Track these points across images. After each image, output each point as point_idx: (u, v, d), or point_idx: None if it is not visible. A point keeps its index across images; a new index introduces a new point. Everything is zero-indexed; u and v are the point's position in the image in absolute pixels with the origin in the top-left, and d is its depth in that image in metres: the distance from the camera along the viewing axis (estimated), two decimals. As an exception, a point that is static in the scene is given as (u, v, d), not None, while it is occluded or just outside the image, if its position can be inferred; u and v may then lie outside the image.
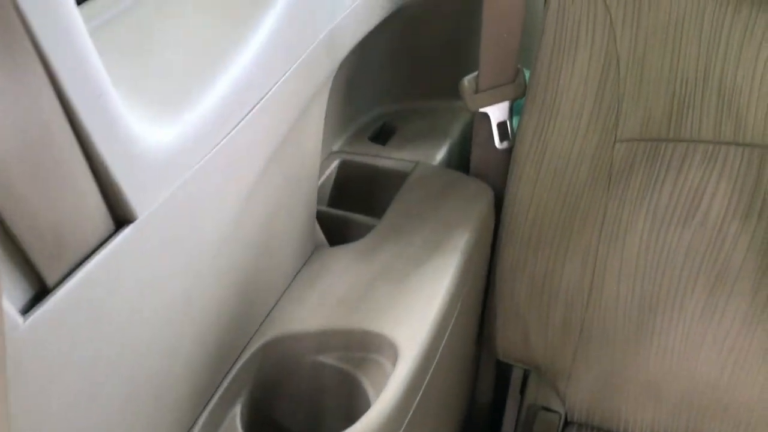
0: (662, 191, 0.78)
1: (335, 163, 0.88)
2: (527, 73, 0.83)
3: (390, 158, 0.89)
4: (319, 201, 0.83)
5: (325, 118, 0.71)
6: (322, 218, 0.79)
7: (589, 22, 0.75)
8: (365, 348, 0.65)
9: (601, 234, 0.82)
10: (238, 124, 0.52)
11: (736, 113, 0.74)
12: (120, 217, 0.43)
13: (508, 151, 0.84)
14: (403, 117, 0.98)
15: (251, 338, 0.64)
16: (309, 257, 0.74)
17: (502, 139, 0.85)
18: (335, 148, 0.91)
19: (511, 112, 0.84)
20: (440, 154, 0.91)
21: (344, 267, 0.72)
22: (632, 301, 0.82)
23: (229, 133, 0.51)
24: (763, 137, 0.74)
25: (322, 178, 0.85)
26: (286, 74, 0.57)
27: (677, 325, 0.81)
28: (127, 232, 0.43)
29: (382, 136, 0.96)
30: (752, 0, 0.70)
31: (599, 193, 0.80)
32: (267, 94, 0.54)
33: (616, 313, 0.83)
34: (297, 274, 0.71)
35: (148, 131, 0.43)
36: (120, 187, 0.41)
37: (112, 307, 0.43)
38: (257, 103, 0.53)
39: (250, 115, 0.53)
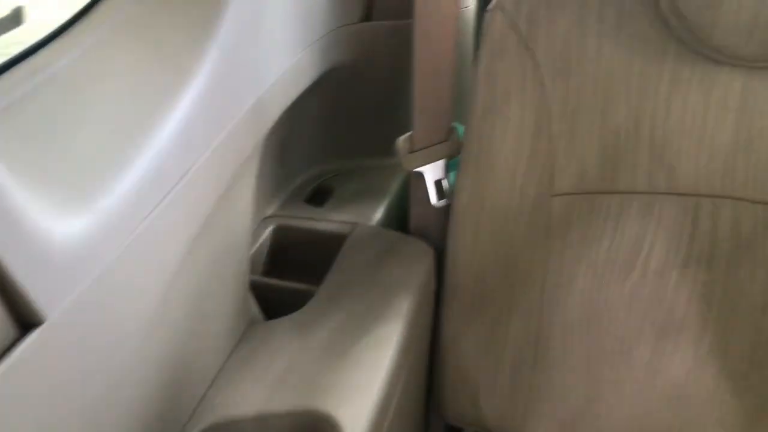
0: (601, 244, 0.78)
1: (269, 229, 0.85)
2: (461, 129, 0.82)
3: (327, 221, 0.87)
4: (254, 270, 0.79)
5: (257, 182, 0.69)
6: (257, 288, 0.76)
7: (519, 79, 0.75)
8: (308, 430, 0.61)
9: (544, 289, 0.80)
10: (158, 204, 0.48)
11: (668, 163, 0.74)
12: (25, 320, 0.39)
13: (447, 209, 0.83)
14: (339, 177, 0.96)
15: (183, 428, 0.60)
16: (243, 333, 0.70)
17: (439, 197, 0.83)
18: (269, 212, 0.88)
19: (447, 169, 0.83)
20: (378, 214, 0.90)
21: (282, 342, 0.68)
22: (579, 356, 0.81)
23: (148, 216, 0.47)
24: (696, 186, 0.74)
25: (256, 246, 0.82)
26: (211, 147, 0.54)
27: (625, 377, 0.80)
28: (33, 336, 0.38)
29: (318, 197, 0.94)
30: (676, 53, 0.71)
31: (539, 248, 0.79)
32: (190, 170, 0.51)
33: (564, 369, 0.82)
34: (231, 353, 0.67)
35: (56, 224, 0.39)
36: (23, 289, 0.37)
37: (21, 419, 0.39)
38: (179, 181, 0.50)
39: (171, 193, 0.50)
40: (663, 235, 0.76)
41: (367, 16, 0.88)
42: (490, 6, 0.76)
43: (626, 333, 0.79)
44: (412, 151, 0.81)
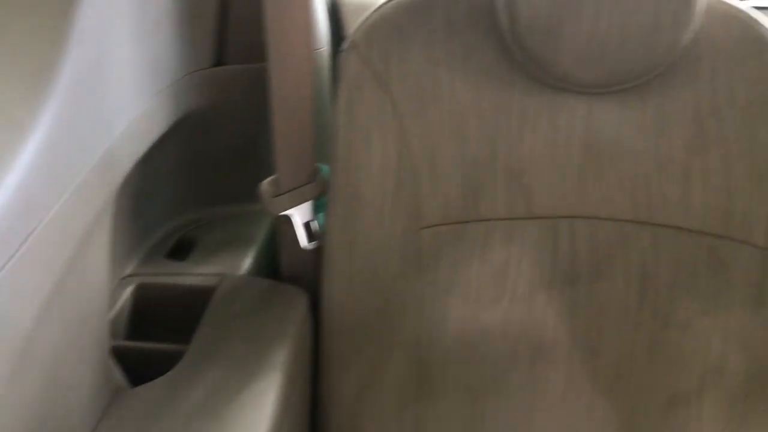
0: (470, 272, 0.79)
1: (129, 289, 0.79)
2: (325, 169, 0.82)
3: (191, 275, 0.82)
4: (115, 334, 0.74)
5: (113, 239, 0.64)
6: (120, 354, 0.70)
7: (379, 116, 0.75)
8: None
9: (420, 322, 0.80)
10: (-3, 273, 0.43)
11: (525, 189, 0.77)
12: None
13: (319, 251, 0.81)
14: (201, 227, 0.92)
15: None
16: (109, 403, 0.64)
17: (309, 240, 0.82)
18: (128, 271, 0.83)
19: (315, 210, 0.82)
20: (247, 263, 0.86)
21: (151, 408, 0.63)
22: (460, 387, 0.81)
23: None
24: (553, 209, 0.78)
25: (116, 308, 0.76)
26: (56, 206, 0.50)
27: (506, 405, 0.81)
28: None
29: (180, 251, 0.89)
30: (523, 83, 0.75)
31: (412, 282, 0.79)
32: (33, 232, 0.47)
33: (447, 402, 0.82)
34: (96, 425, 0.62)
35: None
36: None
37: None
38: (21, 245, 0.46)
39: (13, 260, 0.45)
40: (527, 259, 0.79)
41: (219, 61, 0.86)
42: (344, 46, 0.77)
43: (502, 359, 0.80)
44: (277, 195, 0.79)
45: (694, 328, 0.78)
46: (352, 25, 1.10)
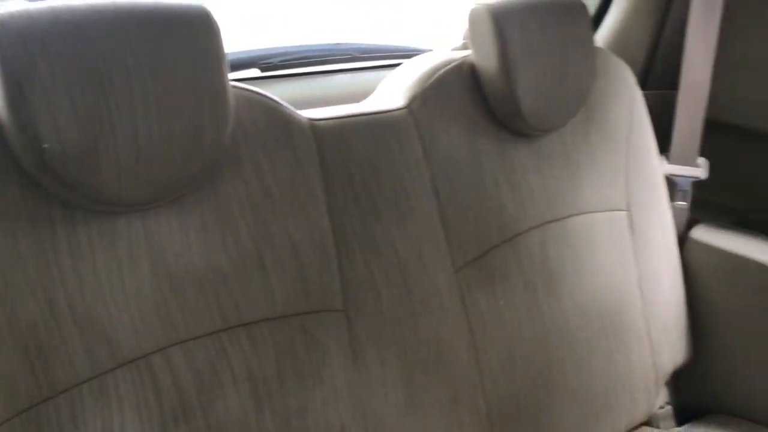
0: None
1: None
2: None
3: None
4: None
5: None
6: None
7: None
8: None
9: None
10: None
11: (104, 337, 0.65)
12: None
13: None
14: None
15: None
16: None
17: None
18: None
19: None
20: None
21: None
22: None
23: None
24: (141, 347, 0.67)
25: None
26: None
27: None
28: None
29: None
30: (67, 219, 0.64)
31: None
32: None
33: None
34: None
35: None
36: None
37: None
38: None
39: None
40: (130, 413, 0.66)
41: None
42: None
43: None
44: None
45: (310, 410, 0.77)
46: None
